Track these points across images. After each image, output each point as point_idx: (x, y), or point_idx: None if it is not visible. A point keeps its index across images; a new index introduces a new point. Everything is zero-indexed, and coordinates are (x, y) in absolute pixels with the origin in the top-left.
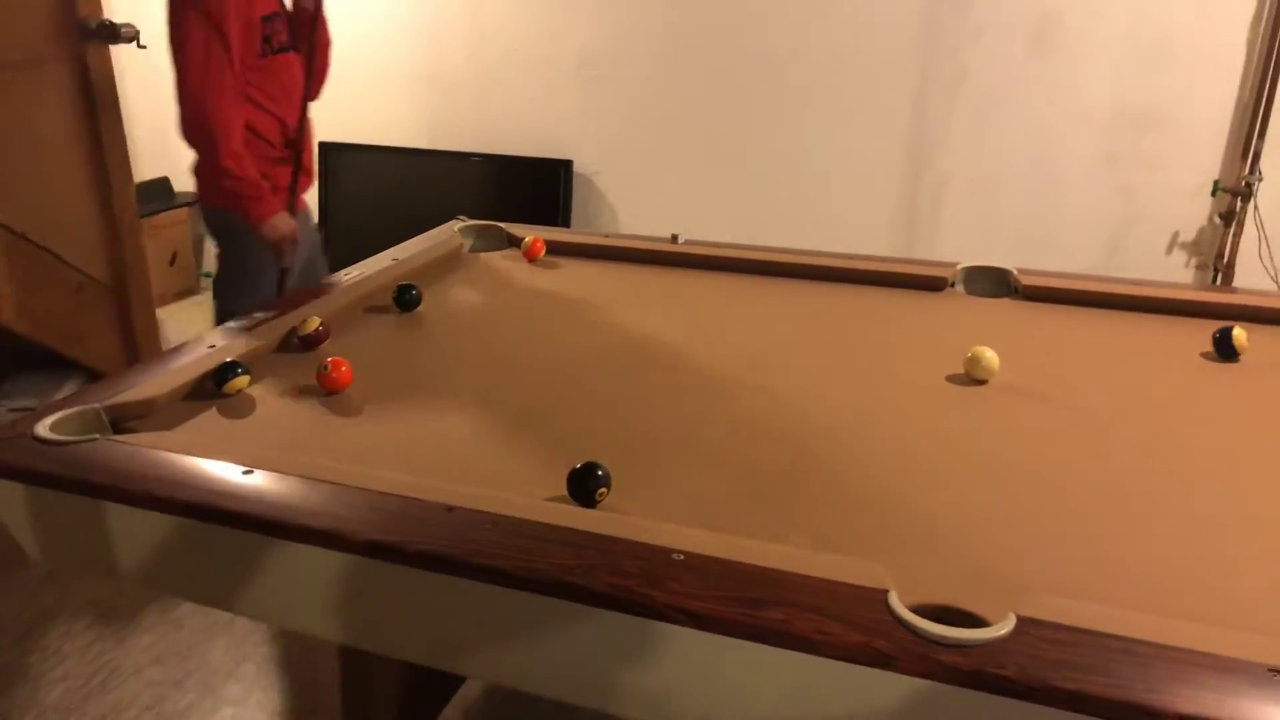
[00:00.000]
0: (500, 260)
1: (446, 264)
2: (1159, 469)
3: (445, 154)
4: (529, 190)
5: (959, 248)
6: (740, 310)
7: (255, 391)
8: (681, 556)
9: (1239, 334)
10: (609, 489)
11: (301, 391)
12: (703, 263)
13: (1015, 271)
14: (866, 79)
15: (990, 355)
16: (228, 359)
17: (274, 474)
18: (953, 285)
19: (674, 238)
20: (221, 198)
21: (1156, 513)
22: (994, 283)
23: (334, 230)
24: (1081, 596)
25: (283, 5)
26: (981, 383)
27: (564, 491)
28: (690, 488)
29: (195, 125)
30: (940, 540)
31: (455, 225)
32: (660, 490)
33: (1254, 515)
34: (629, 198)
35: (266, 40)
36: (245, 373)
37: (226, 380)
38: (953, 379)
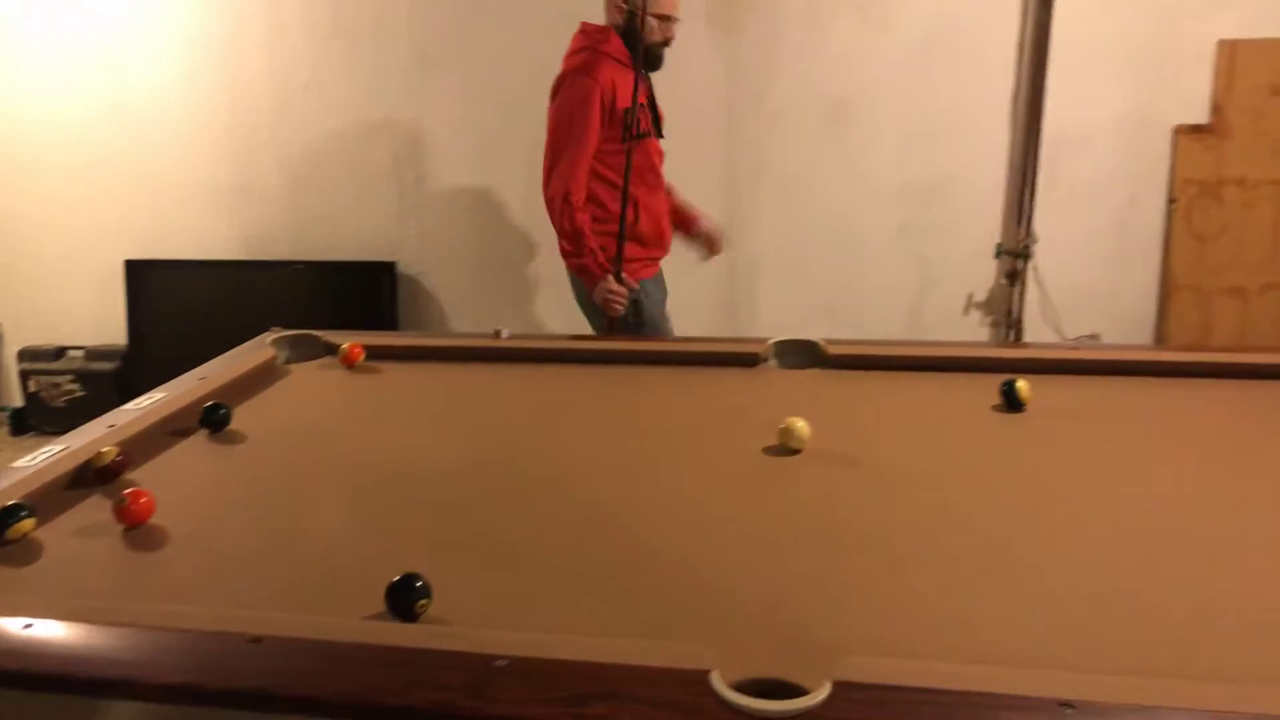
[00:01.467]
0: (316, 370)
1: (258, 379)
2: (958, 520)
3: (263, 264)
4: (353, 295)
5: (778, 324)
6: (564, 401)
7: (42, 535)
8: (505, 662)
9: (1021, 385)
10: (430, 599)
11: (97, 529)
12: (527, 356)
13: (822, 343)
14: (674, 169)
15: (801, 425)
16: (8, 502)
17: (59, 624)
18: (765, 360)
19: (498, 333)
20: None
21: (958, 561)
22: (804, 355)
23: (144, 353)
24: (894, 653)
25: (649, 97)
26: (796, 452)
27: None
28: (516, 590)
29: (549, 201)
30: (763, 612)
31: (268, 337)
32: (485, 595)
33: (1040, 555)
34: (456, 296)
35: (627, 128)
36: (30, 515)
37: (7, 526)
38: (769, 450)
